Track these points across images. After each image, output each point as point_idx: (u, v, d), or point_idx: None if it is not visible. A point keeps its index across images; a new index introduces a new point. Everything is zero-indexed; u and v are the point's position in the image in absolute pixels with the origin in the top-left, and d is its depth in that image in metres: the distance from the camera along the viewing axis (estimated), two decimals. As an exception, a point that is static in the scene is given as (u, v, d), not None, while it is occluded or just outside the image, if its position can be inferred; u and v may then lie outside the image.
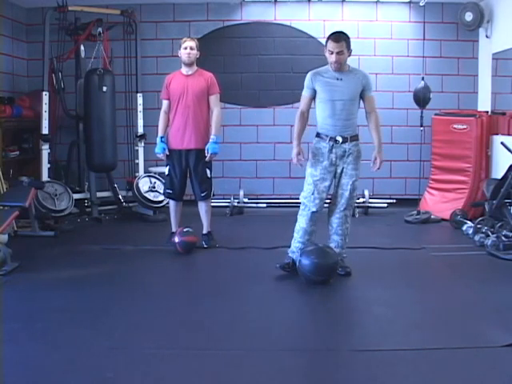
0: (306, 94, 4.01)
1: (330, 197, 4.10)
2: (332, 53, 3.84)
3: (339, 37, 3.86)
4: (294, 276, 3.95)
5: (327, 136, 3.93)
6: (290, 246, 4.10)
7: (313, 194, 3.95)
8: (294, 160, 3.99)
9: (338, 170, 3.97)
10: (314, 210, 3.95)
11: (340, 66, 3.89)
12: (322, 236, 4.09)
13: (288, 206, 6.29)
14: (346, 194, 3.97)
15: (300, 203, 4.06)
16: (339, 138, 3.92)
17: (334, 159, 3.94)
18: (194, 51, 4.69)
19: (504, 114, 5.87)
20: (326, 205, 4.07)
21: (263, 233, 5.48)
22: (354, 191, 4.01)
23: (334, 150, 3.93)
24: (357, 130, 4.02)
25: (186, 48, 4.68)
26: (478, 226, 4.98)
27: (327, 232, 4.11)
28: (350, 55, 3.92)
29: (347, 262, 4.06)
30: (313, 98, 3.99)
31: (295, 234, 4.07)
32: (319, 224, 4.06)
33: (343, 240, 4.05)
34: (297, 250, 3.99)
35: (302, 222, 4.02)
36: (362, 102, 4.03)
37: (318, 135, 4.00)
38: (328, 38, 3.89)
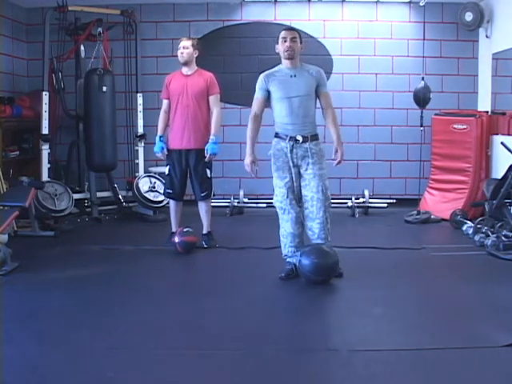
0: (258, 95, 3.96)
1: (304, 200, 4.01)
2: (285, 40, 3.88)
3: (291, 28, 4.07)
4: (293, 276, 3.95)
5: (287, 136, 3.89)
6: (281, 250, 4.07)
7: (287, 196, 3.91)
8: (248, 168, 3.92)
9: (301, 171, 3.91)
10: (295, 214, 3.92)
11: (293, 54, 3.88)
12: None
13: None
14: (319, 196, 3.88)
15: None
16: (299, 138, 3.87)
17: (295, 160, 3.89)
18: (188, 50, 4.68)
19: (504, 114, 5.87)
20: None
21: (263, 233, 5.46)
22: (327, 191, 3.92)
23: (294, 151, 3.88)
24: (316, 129, 3.98)
25: (179, 48, 4.69)
26: (478, 225, 4.98)
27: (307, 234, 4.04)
28: (301, 48, 3.96)
29: (342, 261, 4.01)
30: (266, 99, 3.95)
31: (284, 239, 4.01)
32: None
33: (326, 242, 3.96)
34: (292, 254, 3.97)
35: (287, 227, 3.96)
36: (318, 100, 4.00)
37: (276, 135, 3.95)
38: (280, 32, 3.97)
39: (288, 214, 3.93)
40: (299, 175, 3.93)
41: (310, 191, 3.90)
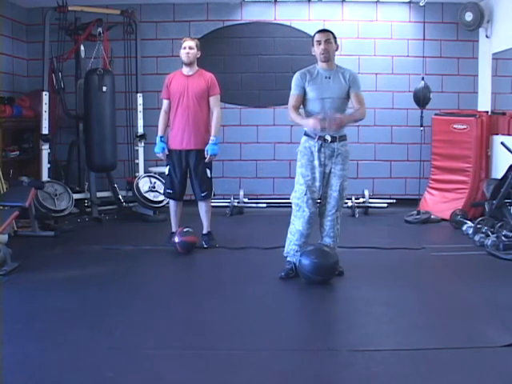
0: (295, 92, 3.95)
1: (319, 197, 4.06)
2: (320, 43, 3.89)
3: (325, 29, 4.04)
4: (294, 276, 3.96)
5: (316, 135, 3.90)
6: (284, 247, 4.08)
7: (305, 194, 3.92)
8: (318, 124, 3.71)
9: (327, 170, 3.94)
10: (309, 213, 3.92)
11: (328, 56, 3.89)
12: (313, 236, 4.06)
13: (288, 206, 6.24)
14: (336, 194, 3.94)
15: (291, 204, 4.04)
16: (328, 137, 3.88)
17: (322, 159, 3.91)
18: (193, 51, 4.69)
19: (504, 113, 5.87)
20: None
21: (263, 233, 5.48)
22: (344, 191, 3.98)
23: (322, 150, 3.90)
24: (344, 130, 3.99)
25: (184, 48, 4.69)
26: (478, 226, 4.98)
27: (318, 233, 4.07)
28: (337, 49, 3.97)
29: (342, 261, 4.03)
30: (302, 96, 3.94)
31: (290, 236, 4.03)
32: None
33: (335, 241, 4.04)
34: (294, 253, 3.98)
35: (298, 225, 3.98)
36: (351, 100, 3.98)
37: (306, 134, 3.97)
38: (314, 34, 3.98)
39: (302, 212, 3.95)
40: (324, 174, 3.95)
41: (329, 189, 3.96)
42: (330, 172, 3.94)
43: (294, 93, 3.98)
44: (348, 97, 3.96)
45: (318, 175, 3.93)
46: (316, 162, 3.91)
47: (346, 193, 4.04)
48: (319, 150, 3.90)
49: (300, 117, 3.93)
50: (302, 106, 4.01)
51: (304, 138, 3.98)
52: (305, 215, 3.94)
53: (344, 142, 3.97)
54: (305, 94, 3.95)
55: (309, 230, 3.98)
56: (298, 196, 3.97)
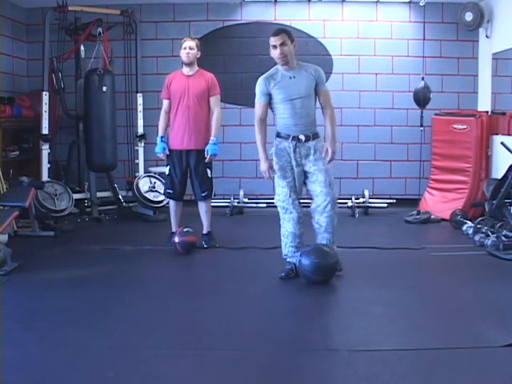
0: (261, 100, 3.91)
1: (309, 196, 4.05)
2: (275, 47, 3.81)
3: (278, 30, 3.89)
4: (294, 276, 3.95)
5: (289, 136, 3.90)
6: (282, 250, 4.07)
7: (290, 196, 3.91)
8: (266, 175, 3.92)
9: (306, 169, 3.93)
10: (297, 213, 3.92)
11: (287, 59, 3.83)
12: (308, 237, 4.04)
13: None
14: (328, 190, 3.90)
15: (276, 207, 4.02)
16: (302, 137, 3.88)
17: (298, 159, 3.90)
18: (194, 51, 4.69)
19: (504, 113, 5.87)
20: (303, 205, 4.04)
21: (263, 233, 5.47)
22: (333, 186, 3.95)
23: (297, 150, 3.89)
24: (316, 127, 3.98)
25: (185, 48, 4.69)
26: (478, 226, 4.98)
27: (312, 230, 4.02)
28: (295, 47, 3.89)
29: (342, 261, 4.01)
30: (268, 103, 3.92)
31: (284, 239, 4.01)
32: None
33: (333, 237, 4.00)
34: (292, 254, 3.97)
35: (289, 227, 3.96)
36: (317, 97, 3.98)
37: (278, 135, 3.95)
38: (269, 38, 3.87)
39: (290, 214, 3.93)
40: (303, 173, 3.94)
41: (318, 185, 3.91)
42: (313, 169, 3.90)
43: (259, 101, 3.93)
44: (315, 93, 3.92)
45: (296, 175, 3.93)
46: (293, 163, 3.91)
47: (335, 188, 4.00)
48: (294, 151, 3.90)
49: (262, 147, 3.92)
50: (272, 109, 3.97)
51: (277, 140, 3.95)
52: (293, 217, 3.93)
53: (318, 139, 3.96)
54: (271, 99, 3.91)
55: (301, 230, 3.97)
56: (282, 199, 3.95)
